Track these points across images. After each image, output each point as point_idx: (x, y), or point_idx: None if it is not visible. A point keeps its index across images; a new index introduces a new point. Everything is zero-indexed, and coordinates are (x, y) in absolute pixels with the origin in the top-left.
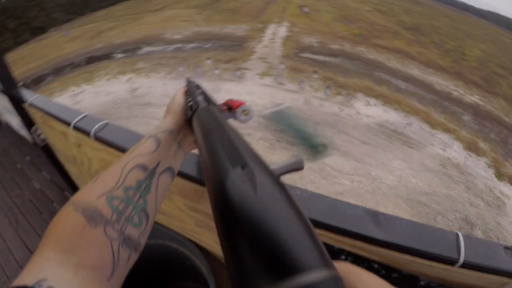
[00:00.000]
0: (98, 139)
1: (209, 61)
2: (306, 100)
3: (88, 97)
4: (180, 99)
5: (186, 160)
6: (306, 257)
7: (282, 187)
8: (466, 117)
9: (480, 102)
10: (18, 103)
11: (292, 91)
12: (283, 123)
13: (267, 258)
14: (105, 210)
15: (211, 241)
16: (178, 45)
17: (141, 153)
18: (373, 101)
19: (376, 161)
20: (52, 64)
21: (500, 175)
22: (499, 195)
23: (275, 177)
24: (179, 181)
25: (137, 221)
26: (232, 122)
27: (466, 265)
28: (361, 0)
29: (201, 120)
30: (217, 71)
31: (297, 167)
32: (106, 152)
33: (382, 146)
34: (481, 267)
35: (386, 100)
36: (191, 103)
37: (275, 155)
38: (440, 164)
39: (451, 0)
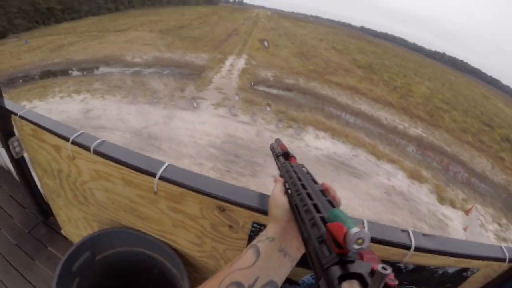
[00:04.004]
0: (97, 153)
1: (166, 88)
2: (258, 132)
3: None
4: (279, 200)
5: (175, 169)
6: None
7: None
8: (410, 148)
9: (424, 134)
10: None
11: (245, 122)
12: None
13: None
14: None
15: (185, 241)
16: (137, 68)
17: (239, 267)
18: (322, 134)
19: None
20: (6, 74)
21: (442, 200)
22: (442, 217)
23: None
24: (168, 186)
25: None
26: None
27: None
28: (319, 38)
29: None
30: (173, 99)
31: None
32: (104, 164)
33: (330, 177)
34: (383, 241)
35: (335, 133)
36: (299, 213)
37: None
38: (385, 192)
39: (403, 41)
